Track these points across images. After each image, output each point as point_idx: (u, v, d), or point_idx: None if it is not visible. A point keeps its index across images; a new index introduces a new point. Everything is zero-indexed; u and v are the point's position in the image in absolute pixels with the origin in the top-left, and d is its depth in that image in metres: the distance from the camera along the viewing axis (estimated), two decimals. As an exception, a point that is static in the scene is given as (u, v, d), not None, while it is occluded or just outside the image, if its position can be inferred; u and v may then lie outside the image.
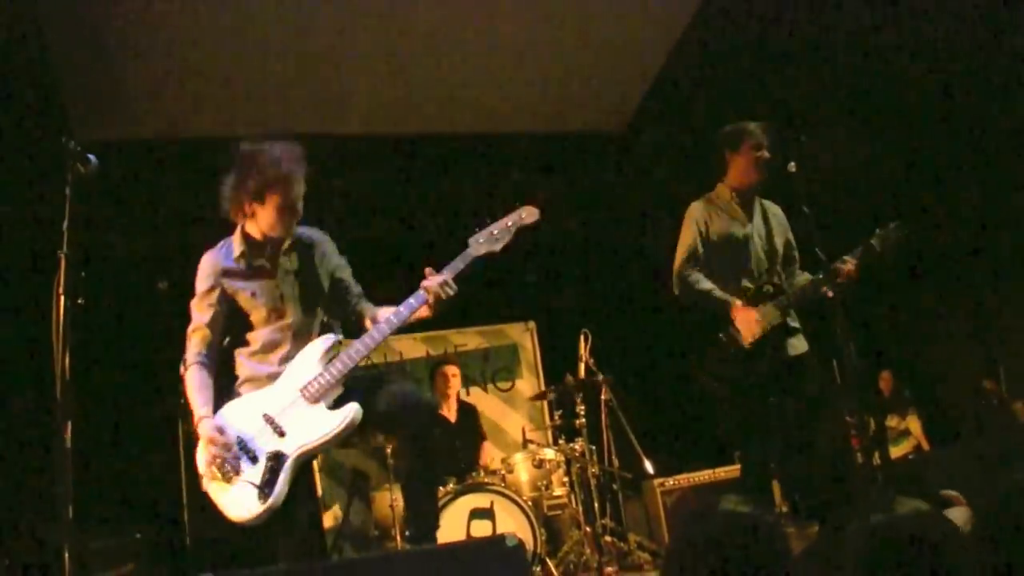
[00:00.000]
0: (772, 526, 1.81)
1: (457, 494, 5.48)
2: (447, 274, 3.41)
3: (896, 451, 8.57)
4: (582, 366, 6.33)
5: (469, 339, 7.77)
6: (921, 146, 7.91)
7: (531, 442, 6.70)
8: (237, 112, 6.45)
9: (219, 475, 3.24)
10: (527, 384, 7.73)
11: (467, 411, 6.75)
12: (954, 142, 7.79)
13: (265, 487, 3.18)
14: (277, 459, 3.22)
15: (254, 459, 3.26)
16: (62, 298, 3.01)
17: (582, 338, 6.39)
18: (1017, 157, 7.74)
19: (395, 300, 3.48)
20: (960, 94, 7.20)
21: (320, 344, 3.46)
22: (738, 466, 6.43)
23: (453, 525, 5.36)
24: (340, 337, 3.56)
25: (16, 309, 5.55)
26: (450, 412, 6.59)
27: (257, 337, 3.52)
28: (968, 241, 8.64)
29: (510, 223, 3.56)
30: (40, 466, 5.59)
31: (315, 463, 6.79)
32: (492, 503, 5.51)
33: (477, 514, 5.44)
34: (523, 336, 7.92)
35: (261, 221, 3.44)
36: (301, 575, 3.05)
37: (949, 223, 8.53)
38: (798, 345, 4.35)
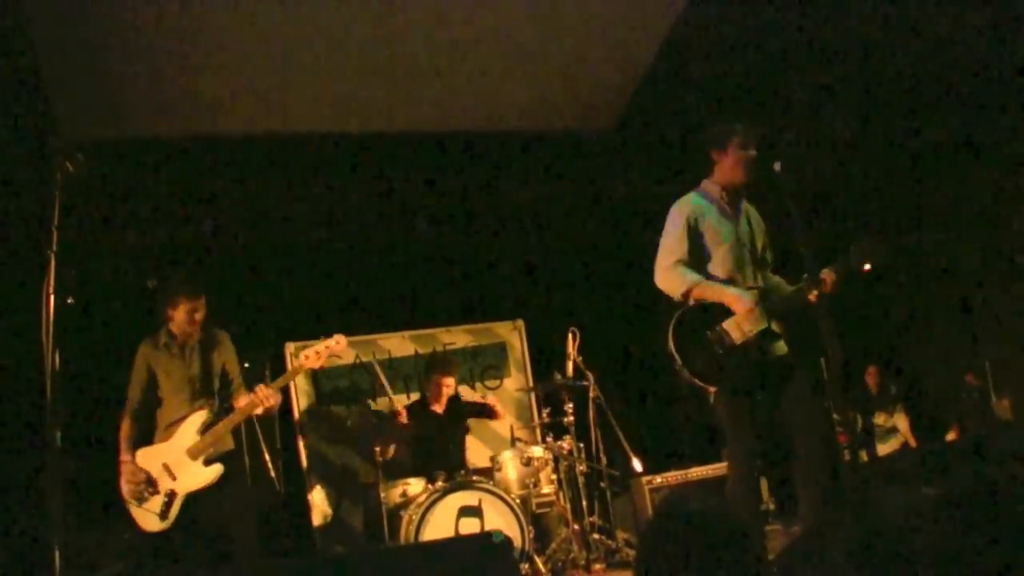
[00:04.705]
0: (741, 523, 1.79)
1: (445, 492, 5.51)
2: (273, 388, 4.70)
3: (884, 448, 8.60)
4: (570, 364, 6.36)
5: (457, 337, 7.76)
6: (908, 144, 7.95)
7: (519, 440, 6.73)
8: (227, 111, 6.44)
9: (134, 501, 4.61)
10: (515, 382, 7.72)
11: (452, 402, 6.77)
12: (940, 141, 7.83)
13: (161, 514, 4.56)
14: (170, 495, 4.58)
15: (155, 492, 4.60)
16: (51, 297, 3.03)
17: (570, 336, 6.42)
18: (1005, 156, 7.80)
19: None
20: (953, 92, 7.22)
21: (200, 416, 4.69)
22: (725, 464, 6.50)
23: (441, 523, 5.40)
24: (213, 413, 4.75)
25: (5, 309, 5.56)
26: (440, 407, 6.64)
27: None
28: (954, 237, 8.69)
29: (325, 347, 4.96)
30: (30, 465, 5.60)
31: (303, 461, 6.92)
32: (480, 501, 5.54)
33: (465, 512, 5.46)
34: (511, 334, 7.90)
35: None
36: (288, 570, 3.08)
37: (935, 220, 8.58)
38: (780, 347, 4.35)
